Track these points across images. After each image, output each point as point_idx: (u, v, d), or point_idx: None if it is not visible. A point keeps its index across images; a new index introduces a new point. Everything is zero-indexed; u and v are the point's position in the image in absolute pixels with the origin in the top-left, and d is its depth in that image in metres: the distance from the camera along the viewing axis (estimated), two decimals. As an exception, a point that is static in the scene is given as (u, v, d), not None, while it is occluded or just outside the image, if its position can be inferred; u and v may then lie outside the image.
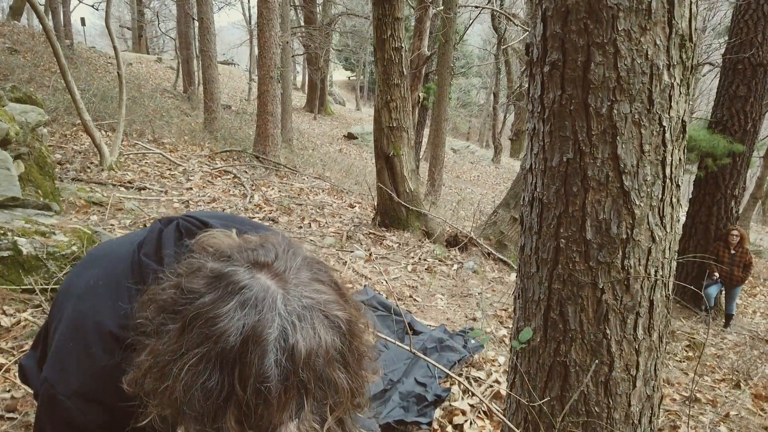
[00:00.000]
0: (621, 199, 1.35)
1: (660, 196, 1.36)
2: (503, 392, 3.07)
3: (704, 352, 5.92)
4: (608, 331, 1.37)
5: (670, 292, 1.43)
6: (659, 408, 1.46)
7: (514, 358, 1.53)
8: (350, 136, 22.30)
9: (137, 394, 0.74)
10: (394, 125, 6.69)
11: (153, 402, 0.72)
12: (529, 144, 1.54)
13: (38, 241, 3.63)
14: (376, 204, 7.52)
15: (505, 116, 29.75)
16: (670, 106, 1.33)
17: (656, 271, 1.38)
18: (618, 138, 1.33)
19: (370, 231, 6.82)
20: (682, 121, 1.37)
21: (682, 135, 1.38)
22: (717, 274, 7.55)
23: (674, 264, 1.42)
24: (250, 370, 0.66)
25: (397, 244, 6.43)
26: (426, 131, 16.13)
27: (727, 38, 8.40)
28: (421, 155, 16.79)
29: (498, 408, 2.80)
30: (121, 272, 0.95)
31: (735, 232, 7.60)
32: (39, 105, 5.46)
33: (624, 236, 1.35)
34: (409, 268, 5.68)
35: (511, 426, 1.45)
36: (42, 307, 3.33)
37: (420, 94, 13.50)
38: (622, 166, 1.34)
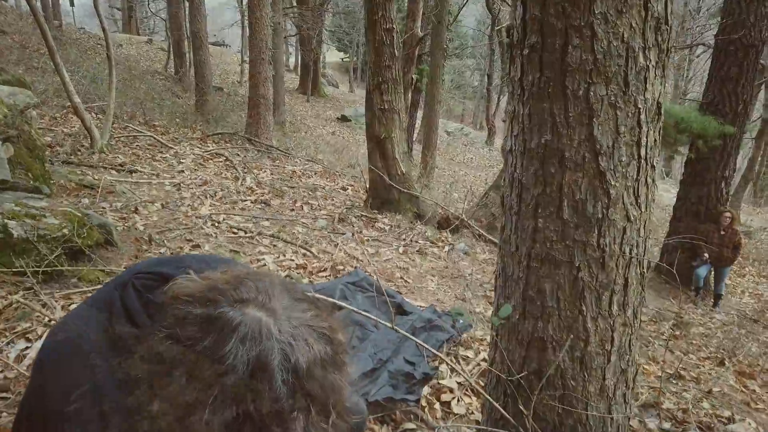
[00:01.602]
0: (597, 180, 1.38)
1: (635, 177, 1.39)
2: (490, 370, 3.13)
3: (692, 331, 6.01)
4: (584, 308, 1.41)
5: (644, 270, 1.47)
6: (634, 382, 1.51)
7: (494, 334, 1.58)
8: (343, 119, 22.20)
9: None
10: (386, 107, 6.68)
11: None
12: (510, 126, 1.57)
13: (29, 223, 3.63)
14: (368, 187, 7.53)
15: (498, 98, 29.65)
16: (645, 88, 1.36)
17: (631, 250, 1.41)
18: (594, 119, 1.36)
19: (362, 213, 6.85)
20: (658, 102, 1.40)
21: (657, 116, 1.41)
22: (707, 254, 7.64)
23: (649, 243, 1.45)
24: (263, 395, 0.74)
25: (389, 227, 6.46)
26: (419, 114, 16.07)
27: (720, 19, 8.38)
28: (414, 138, 16.76)
29: (483, 384, 2.86)
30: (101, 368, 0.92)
31: (727, 213, 7.67)
32: (27, 87, 5.42)
33: (600, 215, 1.39)
34: (401, 250, 5.73)
35: (491, 400, 1.50)
36: (34, 289, 3.35)
37: (413, 76, 13.44)
38: (598, 147, 1.37)
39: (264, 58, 10.01)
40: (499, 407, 1.47)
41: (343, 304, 3.30)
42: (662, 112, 1.41)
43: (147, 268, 1.05)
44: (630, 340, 1.46)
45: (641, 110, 1.36)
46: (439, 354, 2.03)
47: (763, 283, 10.20)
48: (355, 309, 2.71)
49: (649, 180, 1.43)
